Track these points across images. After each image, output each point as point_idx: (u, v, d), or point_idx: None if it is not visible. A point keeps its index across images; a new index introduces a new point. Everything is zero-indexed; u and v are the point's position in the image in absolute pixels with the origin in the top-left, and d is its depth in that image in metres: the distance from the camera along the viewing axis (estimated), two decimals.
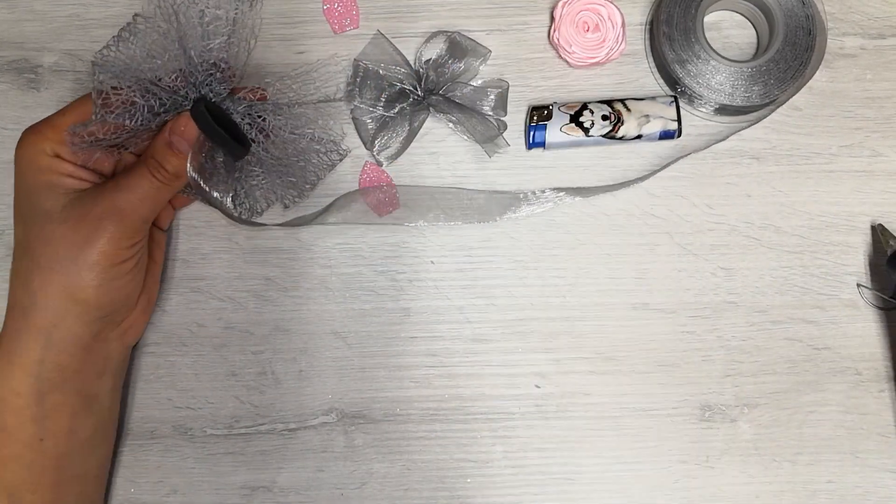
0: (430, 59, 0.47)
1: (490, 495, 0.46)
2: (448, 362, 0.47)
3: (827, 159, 0.48)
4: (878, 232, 0.47)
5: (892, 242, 0.46)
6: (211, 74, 0.40)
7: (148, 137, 0.40)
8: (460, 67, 0.47)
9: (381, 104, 0.47)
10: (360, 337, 0.47)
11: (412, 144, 0.48)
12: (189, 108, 0.39)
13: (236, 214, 0.46)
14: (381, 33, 0.48)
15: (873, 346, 0.47)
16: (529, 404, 0.46)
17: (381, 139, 0.47)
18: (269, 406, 0.47)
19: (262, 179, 0.45)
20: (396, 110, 0.47)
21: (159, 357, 0.47)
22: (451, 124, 0.48)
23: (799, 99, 0.48)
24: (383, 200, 0.47)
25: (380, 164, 0.48)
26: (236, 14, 0.39)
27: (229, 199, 0.42)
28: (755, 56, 0.48)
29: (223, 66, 0.40)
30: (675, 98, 0.47)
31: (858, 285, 0.47)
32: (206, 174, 0.41)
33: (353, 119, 0.48)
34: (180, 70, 0.39)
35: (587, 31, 0.48)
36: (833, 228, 0.47)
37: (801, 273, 0.47)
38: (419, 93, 0.47)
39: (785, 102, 0.48)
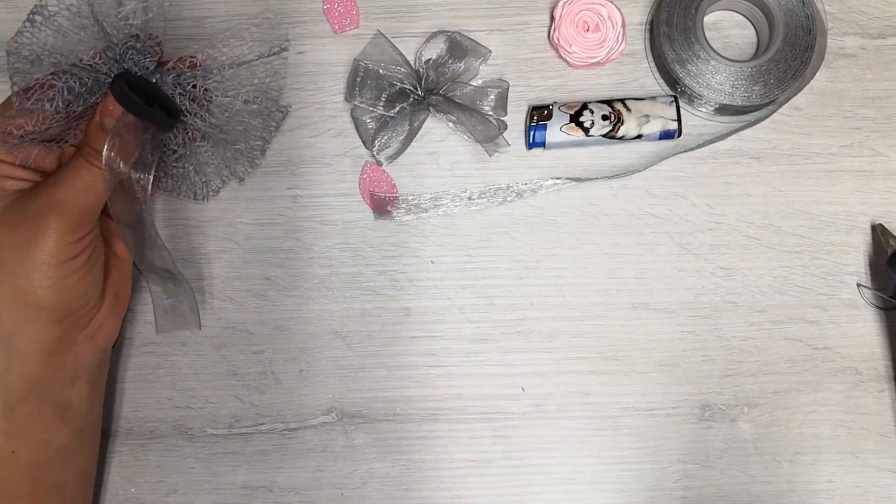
0: (430, 59, 0.47)
1: (490, 495, 0.46)
2: (448, 362, 0.47)
3: (827, 159, 0.48)
4: (878, 232, 0.47)
5: (892, 242, 0.46)
6: (131, 47, 0.38)
7: (85, 126, 0.39)
8: (460, 67, 0.47)
9: (381, 104, 0.47)
10: (360, 337, 0.47)
11: (412, 144, 0.48)
12: None
13: (191, 196, 0.44)
14: (381, 33, 0.48)
15: (873, 346, 0.47)
16: (529, 404, 0.46)
17: (381, 139, 0.47)
18: (269, 406, 0.47)
19: (212, 155, 0.44)
20: (396, 110, 0.47)
21: (159, 357, 0.47)
22: (451, 124, 0.48)
23: (799, 99, 0.48)
24: (383, 201, 0.47)
25: (380, 163, 0.48)
26: None
27: (165, 178, 0.39)
28: (755, 56, 0.48)
29: (142, 36, 0.38)
30: (675, 98, 0.47)
31: (858, 285, 0.47)
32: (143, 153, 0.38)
33: (354, 119, 0.48)
34: (100, 47, 0.37)
35: (587, 30, 0.48)
36: (833, 228, 0.47)
37: (801, 273, 0.47)
38: (419, 92, 0.47)
39: (785, 102, 0.48)
